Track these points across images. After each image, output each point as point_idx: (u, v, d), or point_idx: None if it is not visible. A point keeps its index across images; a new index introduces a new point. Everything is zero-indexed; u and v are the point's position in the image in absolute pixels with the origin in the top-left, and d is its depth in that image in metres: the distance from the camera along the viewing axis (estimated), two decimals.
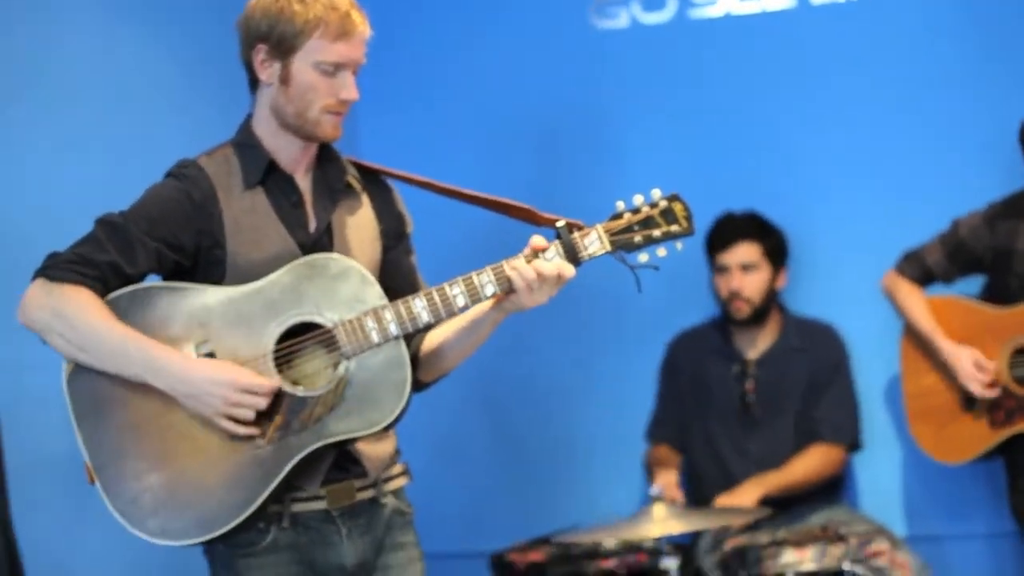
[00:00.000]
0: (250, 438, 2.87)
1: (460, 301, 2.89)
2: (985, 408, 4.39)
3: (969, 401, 4.42)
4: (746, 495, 4.56)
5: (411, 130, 5.28)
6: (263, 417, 2.87)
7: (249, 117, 3.07)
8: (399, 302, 2.90)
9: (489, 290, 2.89)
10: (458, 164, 5.10)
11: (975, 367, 4.36)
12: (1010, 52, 4.75)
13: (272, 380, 2.87)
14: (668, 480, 4.61)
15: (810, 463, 4.69)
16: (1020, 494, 4.41)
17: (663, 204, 2.94)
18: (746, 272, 4.73)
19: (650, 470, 4.82)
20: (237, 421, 2.85)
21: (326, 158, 3.10)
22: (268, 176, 3.02)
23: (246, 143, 3.04)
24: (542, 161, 5.15)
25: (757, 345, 4.82)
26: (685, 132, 5.05)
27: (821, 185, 4.94)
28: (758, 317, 4.77)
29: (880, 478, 4.90)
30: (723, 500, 4.58)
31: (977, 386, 4.35)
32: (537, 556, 4.53)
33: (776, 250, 4.79)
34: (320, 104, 2.96)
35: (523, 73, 5.18)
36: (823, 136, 4.93)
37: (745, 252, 4.74)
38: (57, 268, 2.88)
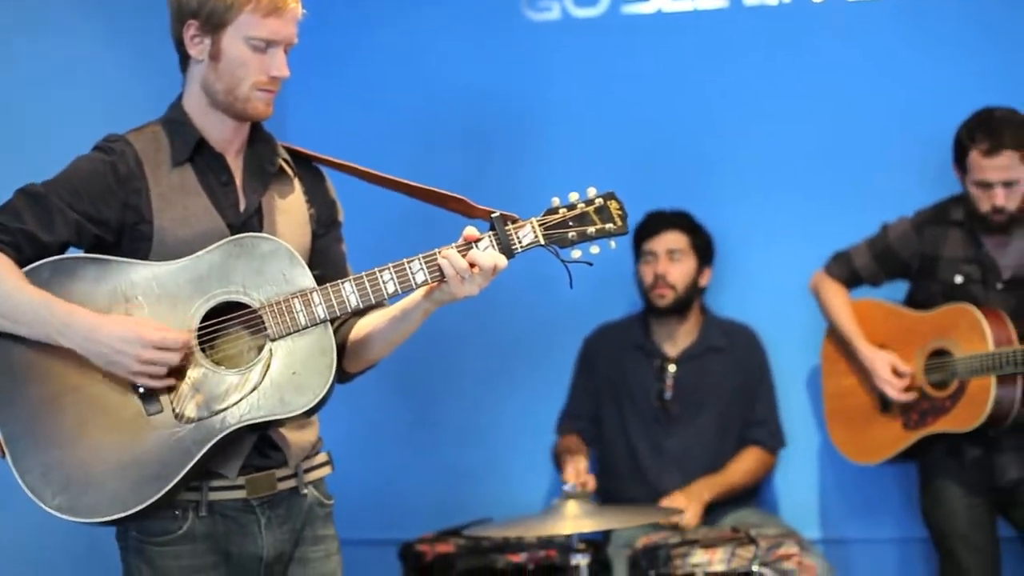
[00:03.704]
0: (168, 416, 2.81)
1: (391, 287, 2.85)
2: (899, 410, 4.44)
3: (885, 403, 4.46)
4: (695, 497, 4.55)
5: (340, 117, 5.23)
6: (182, 395, 2.81)
7: (180, 96, 3.02)
8: (328, 285, 2.86)
9: (420, 277, 2.85)
10: (387, 152, 5.03)
11: (892, 372, 4.41)
12: (935, 60, 4.80)
13: (183, 333, 2.81)
14: (578, 466, 4.57)
15: (749, 466, 4.72)
16: (930, 498, 4.45)
17: (598, 202, 2.92)
18: (672, 259, 4.74)
19: (558, 459, 4.78)
20: (152, 378, 2.79)
21: (259, 139, 3.05)
22: (197, 154, 2.97)
23: (175, 120, 2.99)
24: (472, 152, 5.12)
25: (677, 342, 4.82)
26: (613, 126, 5.05)
27: (747, 184, 4.95)
28: (680, 308, 4.76)
29: (795, 481, 4.93)
30: (673, 500, 4.55)
31: (893, 391, 4.40)
32: (446, 548, 4.48)
33: (703, 247, 4.81)
34: (250, 81, 2.91)
35: (454, 62, 5.16)
36: (750, 135, 4.95)
37: (673, 239, 4.75)
38: None
